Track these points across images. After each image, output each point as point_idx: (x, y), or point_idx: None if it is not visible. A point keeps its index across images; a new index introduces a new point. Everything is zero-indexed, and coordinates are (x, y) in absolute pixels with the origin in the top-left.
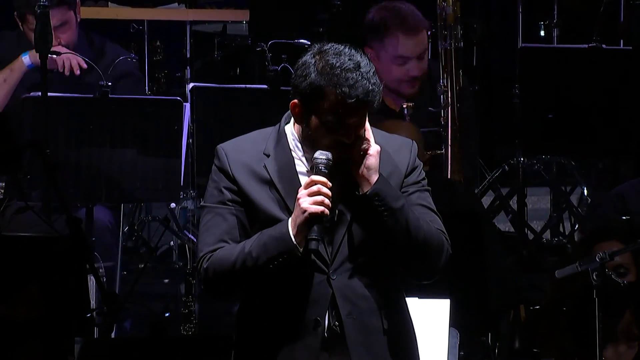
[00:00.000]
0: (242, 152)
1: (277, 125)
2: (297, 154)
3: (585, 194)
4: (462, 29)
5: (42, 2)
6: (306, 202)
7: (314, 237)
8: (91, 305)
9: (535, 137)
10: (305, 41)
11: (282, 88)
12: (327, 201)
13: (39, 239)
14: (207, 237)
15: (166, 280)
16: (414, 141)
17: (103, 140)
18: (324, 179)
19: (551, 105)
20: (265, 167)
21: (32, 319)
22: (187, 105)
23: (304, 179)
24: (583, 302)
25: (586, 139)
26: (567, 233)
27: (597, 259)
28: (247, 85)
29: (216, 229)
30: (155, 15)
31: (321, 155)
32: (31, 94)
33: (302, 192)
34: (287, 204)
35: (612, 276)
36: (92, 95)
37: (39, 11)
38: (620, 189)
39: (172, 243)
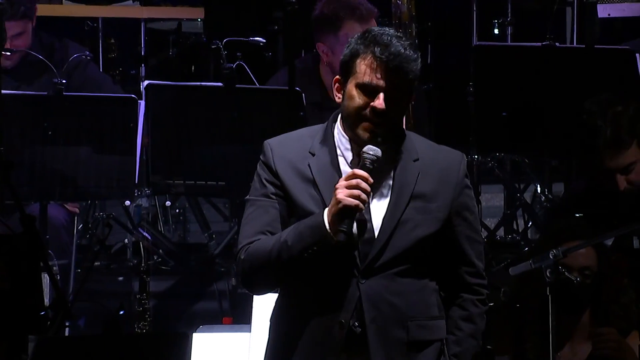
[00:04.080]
0: (288, 148)
1: (326, 123)
2: (341, 150)
3: (539, 191)
4: (416, 27)
5: None
6: (342, 193)
7: (343, 229)
8: (45, 303)
9: (489, 134)
10: (260, 39)
11: (237, 86)
12: (363, 196)
13: None
14: (247, 229)
15: (120, 278)
16: (463, 155)
17: (57, 138)
18: (365, 174)
19: (505, 103)
20: (309, 165)
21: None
22: (142, 103)
23: None
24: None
25: (540, 137)
26: (520, 230)
27: (551, 256)
28: (202, 83)
29: (257, 221)
30: (110, 12)
31: (370, 150)
32: None
33: (341, 183)
34: (326, 204)
35: (566, 274)
36: (46, 93)
37: None
38: (575, 188)
39: (126, 241)
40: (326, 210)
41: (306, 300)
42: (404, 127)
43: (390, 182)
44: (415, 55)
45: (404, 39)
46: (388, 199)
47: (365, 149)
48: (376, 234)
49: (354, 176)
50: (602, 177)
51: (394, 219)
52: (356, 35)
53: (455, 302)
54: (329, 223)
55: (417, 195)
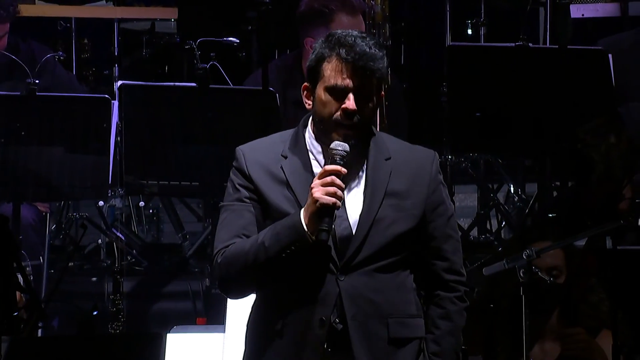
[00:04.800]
0: (260, 153)
1: (296, 128)
2: (314, 154)
3: (512, 191)
4: (390, 27)
5: None
6: (319, 192)
7: (324, 227)
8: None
9: (463, 135)
10: (234, 39)
11: (210, 86)
12: (339, 193)
13: None
14: (222, 233)
15: (94, 279)
16: (435, 153)
17: (31, 138)
18: (338, 168)
19: (479, 104)
20: (282, 168)
21: None
22: (115, 103)
23: None
24: (517, 300)
25: (513, 137)
26: (494, 230)
27: (524, 256)
28: (176, 83)
29: (232, 225)
30: (83, 12)
31: (338, 146)
32: None
33: (315, 182)
34: (301, 204)
35: (539, 274)
36: (19, 93)
37: None
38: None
39: (99, 241)
40: (302, 210)
41: (286, 300)
42: (377, 128)
43: (363, 180)
44: (381, 54)
45: (368, 38)
46: (362, 196)
47: (333, 145)
48: (353, 231)
49: (327, 173)
50: (594, 205)
51: (370, 215)
52: (320, 40)
53: (432, 301)
54: (306, 223)
55: (390, 192)
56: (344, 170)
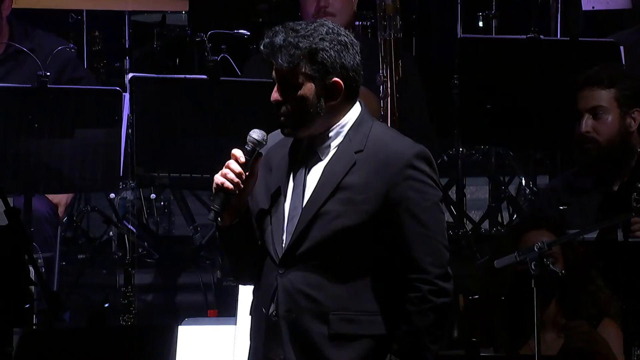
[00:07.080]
0: (273, 141)
1: None
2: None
3: (523, 184)
4: (401, 19)
5: None
6: (218, 173)
7: (212, 207)
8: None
9: (474, 127)
10: (245, 32)
11: (221, 78)
12: (230, 175)
13: None
14: None
15: (105, 271)
16: (420, 148)
17: (42, 130)
18: (237, 154)
19: (490, 96)
20: (289, 151)
21: None
22: (127, 96)
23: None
24: (515, 291)
25: (524, 130)
26: (505, 223)
27: (536, 249)
28: (187, 76)
29: None
30: (94, 5)
31: (253, 133)
32: None
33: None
34: (269, 189)
35: (550, 266)
36: (30, 85)
37: None
38: (554, 182)
39: (111, 233)
40: None
41: (254, 291)
42: (388, 121)
43: (320, 174)
44: (298, 43)
45: (307, 28)
46: (312, 190)
47: (251, 132)
48: (295, 225)
49: (232, 157)
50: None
51: (312, 209)
52: None
53: (401, 300)
54: None
55: (344, 186)
56: (242, 159)
